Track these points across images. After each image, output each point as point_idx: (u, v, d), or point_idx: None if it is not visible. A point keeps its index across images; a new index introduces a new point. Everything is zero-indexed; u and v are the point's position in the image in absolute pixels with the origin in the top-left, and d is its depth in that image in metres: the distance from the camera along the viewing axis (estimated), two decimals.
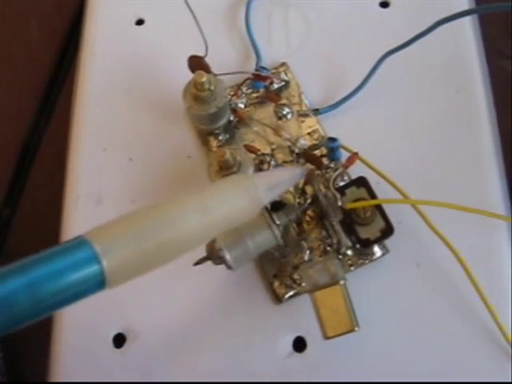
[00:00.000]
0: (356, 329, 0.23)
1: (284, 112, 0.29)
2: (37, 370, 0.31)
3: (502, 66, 0.35)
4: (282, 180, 0.24)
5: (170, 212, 0.20)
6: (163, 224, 0.20)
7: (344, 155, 0.27)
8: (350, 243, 0.26)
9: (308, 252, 0.27)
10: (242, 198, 0.22)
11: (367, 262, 0.27)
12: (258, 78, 0.30)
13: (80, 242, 0.18)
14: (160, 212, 0.20)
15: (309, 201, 0.27)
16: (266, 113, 0.30)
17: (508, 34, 0.36)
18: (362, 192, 0.26)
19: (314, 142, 0.29)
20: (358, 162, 0.27)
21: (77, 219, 0.30)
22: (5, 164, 0.37)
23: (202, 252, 0.25)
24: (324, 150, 0.28)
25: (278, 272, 0.27)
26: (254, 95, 0.30)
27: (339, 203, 0.26)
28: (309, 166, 0.27)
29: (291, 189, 0.27)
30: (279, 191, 0.24)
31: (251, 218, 0.23)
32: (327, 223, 0.27)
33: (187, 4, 0.28)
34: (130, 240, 0.19)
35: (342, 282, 0.24)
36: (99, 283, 0.18)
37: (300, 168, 0.26)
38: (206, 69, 0.27)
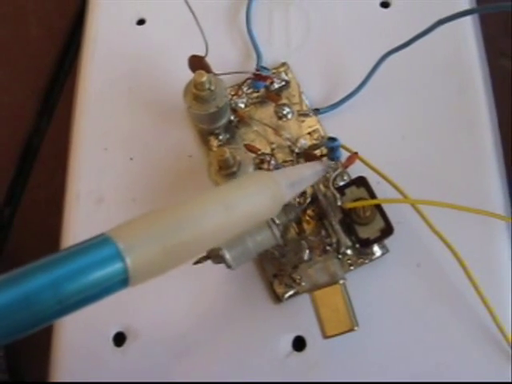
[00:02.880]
0: (355, 328, 0.23)
1: (284, 112, 0.29)
2: (37, 368, 0.31)
3: (502, 66, 0.35)
4: (304, 176, 0.24)
5: (192, 210, 0.20)
6: (185, 222, 0.19)
7: (344, 155, 0.27)
8: (349, 243, 0.26)
9: (308, 251, 0.27)
10: (264, 195, 0.22)
11: (367, 261, 0.27)
12: (259, 77, 0.30)
13: (103, 240, 0.18)
14: (182, 210, 0.20)
15: (308, 200, 0.27)
16: (267, 113, 0.30)
17: (508, 33, 0.36)
18: (362, 192, 0.26)
19: (314, 141, 0.29)
20: (358, 161, 0.27)
21: (78, 218, 0.30)
22: (6, 163, 0.37)
23: None
24: (324, 150, 0.28)
25: (277, 271, 0.27)
26: (255, 95, 0.30)
27: (339, 203, 0.26)
28: (329, 161, 0.27)
29: None
30: (301, 187, 0.24)
31: (273, 215, 0.23)
32: (327, 223, 0.27)
33: (187, 4, 0.28)
34: (153, 237, 0.19)
35: (341, 282, 0.24)
36: (123, 281, 0.18)
37: (321, 164, 0.26)
38: (207, 68, 0.27)
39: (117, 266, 0.17)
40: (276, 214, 0.23)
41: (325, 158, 0.28)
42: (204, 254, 0.24)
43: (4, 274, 0.16)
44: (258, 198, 0.22)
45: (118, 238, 0.18)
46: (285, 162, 0.28)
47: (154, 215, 0.19)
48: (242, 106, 0.30)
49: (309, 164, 0.27)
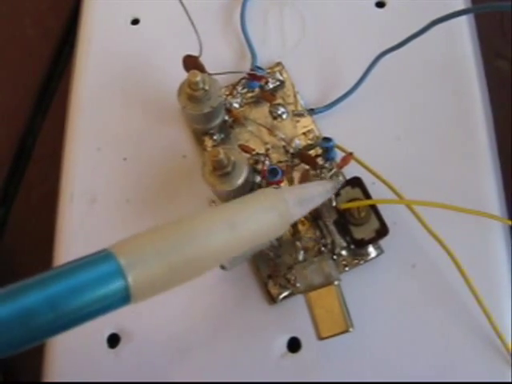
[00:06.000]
0: (350, 329, 0.23)
1: (279, 112, 0.29)
2: (31, 369, 0.31)
3: (498, 66, 0.35)
4: (313, 195, 0.24)
5: (196, 227, 0.20)
6: (189, 239, 0.19)
7: (339, 155, 0.27)
8: (344, 243, 0.26)
9: (302, 252, 0.27)
10: (271, 213, 0.21)
11: (362, 262, 0.27)
12: (253, 77, 0.30)
13: (105, 256, 0.18)
14: (186, 227, 0.20)
15: None
16: (261, 113, 0.30)
17: (504, 34, 0.36)
18: (357, 192, 0.26)
19: (309, 141, 0.29)
20: (353, 162, 0.26)
21: (71, 218, 0.30)
22: (0, 163, 0.37)
23: None
24: (319, 150, 0.28)
25: (272, 272, 0.27)
26: (249, 95, 0.30)
27: (334, 203, 0.26)
28: (340, 180, 0.27)
29: None
30: (310, 206, 0.24)
31: (281, 234, 0.23)
32: (322, 223, 0.27)
33: (182, 4, 0.28)
34: (156, 255, 0.18)
35: (336, 283, 0.24)
36: (124, 298, 0.17)
37: (332, 182, 0.25)
38: (201, 68, 0.27)
39: (118, 284, 0.17)
40: (283, 232, 0.23)
41: (334, 180, 0.27)
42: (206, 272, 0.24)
43: (1, 289, 0.16)
44: (265, 217, 0.21)
45: (120, 254, 0.18)
46: (279, 162, 0.28)
47: (157, 231, 0.19)
48: (237, 106, 0.30)
49: (318, 182, 0.26)
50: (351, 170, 0.27)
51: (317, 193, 0.24)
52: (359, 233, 0.25)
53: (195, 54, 0.28)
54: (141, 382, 0.27)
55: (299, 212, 0.23)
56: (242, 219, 0.21)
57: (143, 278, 0.18)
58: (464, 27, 0.31)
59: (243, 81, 0.30)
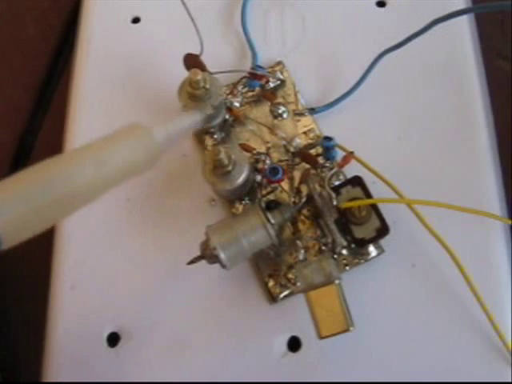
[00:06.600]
0: (351, 329, 0.23)
1: (280, 111, 0.29)
2: (31, 369, 0.31)
3: (498, 66, 0.35)
4: (182, 127, 0.24)
5: (62, 168, 0.20)
6: (56, 180, 0.19)
7: (340, 154, 0.27)
8: (345, 243, 0.26)
9: (303, 251, 0.27)
10: (137, 148, 0.21)
11: (362, 261, 0.27)
12: (254, 76, 0.29)
13: None
14: (52, 168, 0.20)
15: (304, 200, 0.27)
16: (262, 112, 0.30)
17: (504, 33, 0.36)
18: (358, 191, 0.26)
19: (310, 141, 0.29)
20: (353, 161, 0.26)
21: (71, 217, 0.29)
22: (0, 162, 0.37)
23: (196, 251, 0.25)
24: (319, 149, 0.28)
25: (272, 271, 0.27)
26: (250, 94, 0.30)
27: (334, 202, 0.26)
28: (209, 109, 0.26)
29: (286, 188, 0.27)
30: (178, 138, 0.24)
31: (149, 169, 0.22)
32: (322, 222, 0.26)
33: (183, 2, 0.28)
34: (22, 199, 0.18)
35: (337, 282, 0.24)
36: None
37: (200, 113, 0.25)
38: (202, 67, 0.27)
39: None
40: (151, 167, 0.22)
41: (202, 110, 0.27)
42: (78, 210, 0.22)
43: None
44: (131, 152, 0.21)
45: None
46: (280, 161, 0.28)
47: (23, 176, 0.19)
48: (238, 105, 0.30)
49: (187, 114, 0.26)
50: (352, 170, 0.27)
51: (186, 125, 0.24)
52: (360, 232, 0.25)
53: (196, 52, 0.28)
54: (141, 381, 0.27)
55: (167, 146, 0.23)
56: (109, 156, 0.21)
57: (11, 223, 0.18)
58: (465, 27, 0.31)
59: (244, 80, 0.30)
